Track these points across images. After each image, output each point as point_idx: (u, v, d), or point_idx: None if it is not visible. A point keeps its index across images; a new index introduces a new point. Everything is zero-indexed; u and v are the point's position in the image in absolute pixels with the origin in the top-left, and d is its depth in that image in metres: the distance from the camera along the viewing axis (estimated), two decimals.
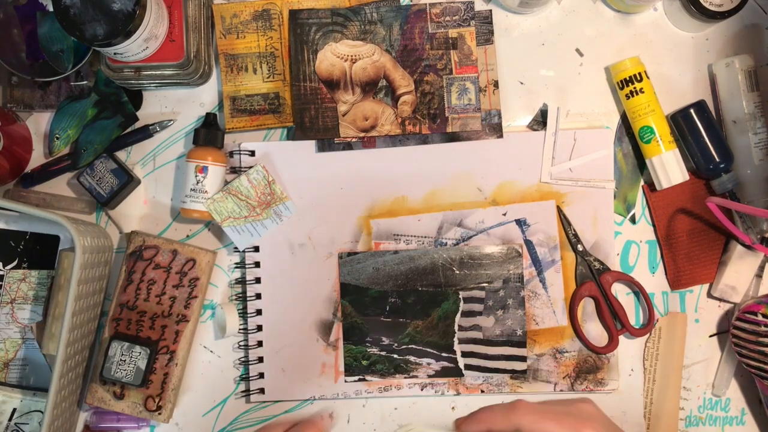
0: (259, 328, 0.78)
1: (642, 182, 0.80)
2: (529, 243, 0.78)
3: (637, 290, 0.79)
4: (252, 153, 0.79)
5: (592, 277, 0.78)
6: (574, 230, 0.78)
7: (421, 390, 0.78)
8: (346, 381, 0.78)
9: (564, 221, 0.78)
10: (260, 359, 0.78)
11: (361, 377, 0.78)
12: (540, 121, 0.79)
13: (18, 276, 0.77)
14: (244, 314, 0.79)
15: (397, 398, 0.79)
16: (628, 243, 0.80)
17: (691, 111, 0.77)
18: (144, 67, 0.74)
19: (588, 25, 0.81)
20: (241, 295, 0.79)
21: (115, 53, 0.71)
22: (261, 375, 0.78)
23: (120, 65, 0.74)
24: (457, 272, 0.77)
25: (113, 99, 0.78)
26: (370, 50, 0.78)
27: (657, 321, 0.79)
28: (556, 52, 0.80)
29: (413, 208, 0.79)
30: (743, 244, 0.77)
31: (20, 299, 0.77)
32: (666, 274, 0.80)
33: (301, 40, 0.78)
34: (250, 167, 0.77)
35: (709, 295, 0.80)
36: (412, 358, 0.78)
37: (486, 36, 0.79)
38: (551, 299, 0.78)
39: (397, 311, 0.78)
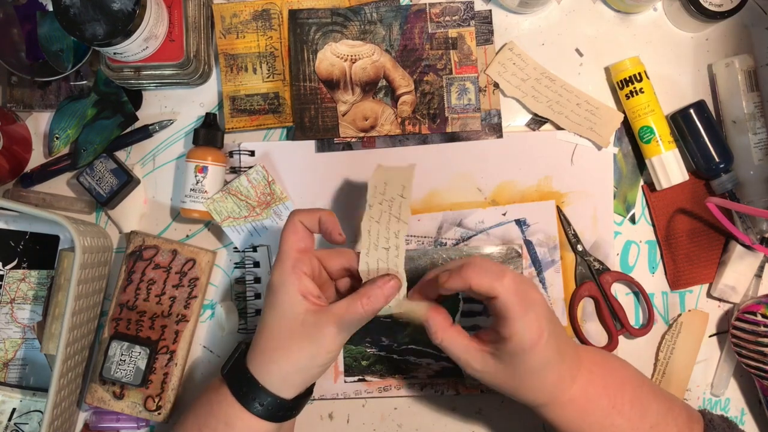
0: None
1: (642, 182, 0.80)
2: (528, 243, 0.78)
3: (637, 290, 0.79)
4: (252, 153, 0.78)
5: (592, 278, 0.78)
6: (574, 230, 0.78)
7: (421, 390, 0.78)
8: (345, 381, 0.78)
9: (564, 221, 0.78)
10: None
11: (361, 377, 0.78)
12: (539, 120, 0.79)
13: (18, 276, 0.77)
14: (244, 314, 0.79)
15: (396, 398, 0.79)
16: (628, 243, 0.80)
17: (691, 111, 0.77)
18: (144, 67, 0.74)
19: (588, 25, 0.81)
20: (241, 295, 0.79)
21: (114, 53, 0.71)
22: None
23: (120, 65, 0.74)
24: None
25: (113, 99, 0.78)
26: (370, 50, 0.78)
27: (680, 316, 0.78)
28: (556, 52, 0.80)
29: (413, 208, 0.78)
30: (743, 245, 0.77)
31: (20, 299, 0.77)
32: (666, 274, 0.80)
33: (301, 39, 0.78)
34: (250, 167, 0.77)
35: (709, 295, 0.80)
36: (411, 359, 0.77)
37: (486, 36, 0.79)
38: (551, 299, 0.78)
39: None
